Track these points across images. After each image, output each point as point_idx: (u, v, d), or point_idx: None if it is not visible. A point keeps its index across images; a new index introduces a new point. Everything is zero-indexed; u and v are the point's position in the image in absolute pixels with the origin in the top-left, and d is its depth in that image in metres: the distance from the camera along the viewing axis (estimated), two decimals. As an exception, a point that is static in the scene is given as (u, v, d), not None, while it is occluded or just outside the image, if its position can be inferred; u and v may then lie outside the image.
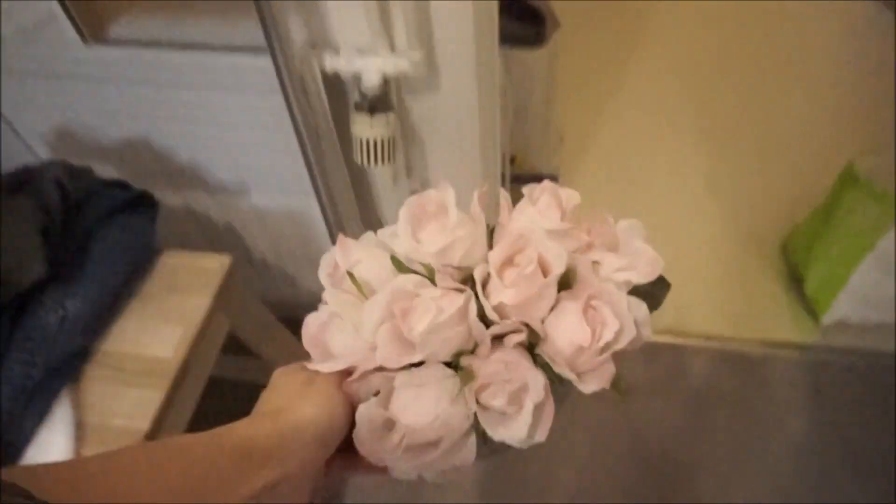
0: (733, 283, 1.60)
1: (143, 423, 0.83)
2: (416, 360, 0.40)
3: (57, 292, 0.89)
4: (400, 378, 0.41)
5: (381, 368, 0.42)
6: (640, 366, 1.23)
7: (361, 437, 0.41)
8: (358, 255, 0.47)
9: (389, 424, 0.41)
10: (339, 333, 0.44)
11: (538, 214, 0.46)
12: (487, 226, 0.47)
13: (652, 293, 0.47)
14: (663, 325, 1.50)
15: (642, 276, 0.46)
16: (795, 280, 1.60)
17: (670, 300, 0.48)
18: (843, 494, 1.14)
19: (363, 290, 0.45)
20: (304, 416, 0.39)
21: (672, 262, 0.46)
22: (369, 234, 0.53)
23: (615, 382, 0.42)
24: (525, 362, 0.41)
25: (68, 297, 0.88)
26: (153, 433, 0.83)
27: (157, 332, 0.92)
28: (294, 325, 0.92)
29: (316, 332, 0.45)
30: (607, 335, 0.41)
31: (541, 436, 0.42)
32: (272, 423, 0.38)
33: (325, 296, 0.46)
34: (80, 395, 0.86)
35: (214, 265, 1.00)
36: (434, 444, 0.40)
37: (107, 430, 0.83)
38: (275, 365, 0.46)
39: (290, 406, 0.39)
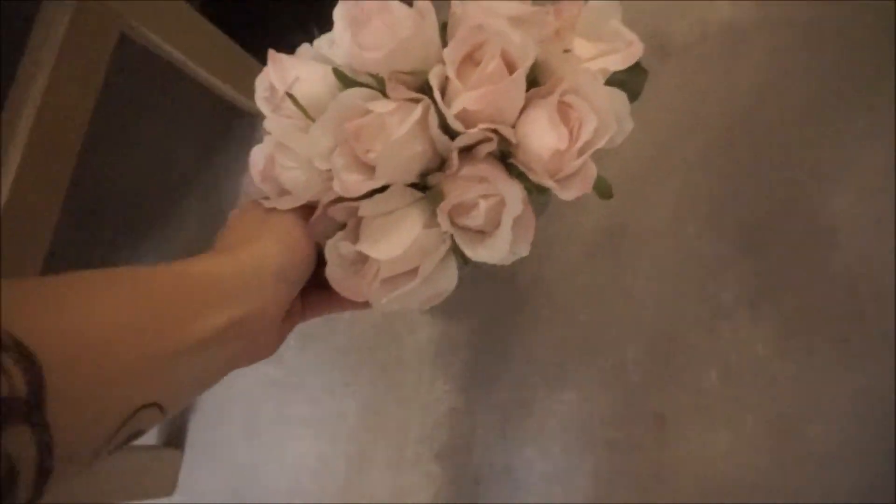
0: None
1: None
2: (378, 185, 0.37)
3: None
4: (365, 207, 0.38)
5: (342, 199, 0.39)
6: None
7: (334, 274, 0.39)
8: (295, 73, 0.41)
9: (361, 258, 0.39)
10: (289, 167, 0.40)
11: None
12: (438, 20, 0.41)
13: (629, 81, 0.43)
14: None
15: (620, 63, 0.41)
16: None
17: None
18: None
19: (307, 113, 0.40)
20: (263, 252, 0.37)
21: None
22: (305, 47, 0.46)
23: (597, 184, 0.40)
24: (499, 174, 0.38)
25: None
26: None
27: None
28: None
29: (265, 166, 0.41)
30: (586, 134, 0.37)
31: (523, 250, 0.40)
32: (232, 259, 0.36)
33: (267, 124, 0.41)
34: None
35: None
36: (412, 272, 0.39)
37: None
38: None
39: (249, 242, 0.38)
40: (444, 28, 0.42)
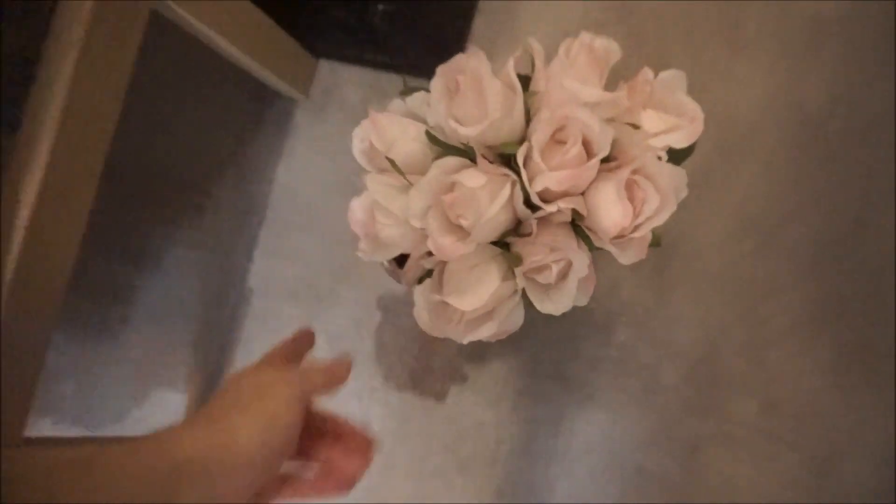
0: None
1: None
2: (470, 251, 0.44)
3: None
4: (453, 263, 0.45)
5: (430, 253, 0.46)
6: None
7: (422, 315, 0.46)
8: (393, 134, 0.48)
9: (444, 305, 0.45)
10: (387, 224, 0.46)
11: (578, 82, 0.46)
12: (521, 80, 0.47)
13: (681, 151, 0.49)
14: None
15: (684, 141, 0.47)
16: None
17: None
18: None
19: (404, 175, 0.46)
20: (239, 436, 0.37)
21: None
22: (397, 102, 0.52)
23: (654, 242, 0.46)
24: (570, 241, 0.45)
25: None
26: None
27: None
28: None
29: (363, 219, 0.48)
30: (648, 211, 0.44)
31: (583, 301, 0.47)
32: (206, 436, 0.37)
33: (368, 182, 0.47)
34: None
35: None
36: (488, 315, 0.46)
37: None
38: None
39: (229, 421, 0.38)
40: (526, 84, 0.48)
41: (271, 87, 0.86)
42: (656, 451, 0.77)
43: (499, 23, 0.84)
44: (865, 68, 0.78)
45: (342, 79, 0.87)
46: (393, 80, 0.85)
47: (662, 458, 0.77)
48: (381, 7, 0.83)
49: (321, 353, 0.94)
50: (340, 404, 0.91)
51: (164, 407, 0.92)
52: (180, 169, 0.96)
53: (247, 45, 0.75)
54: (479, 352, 0.85)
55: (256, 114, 0.93)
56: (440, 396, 0.89)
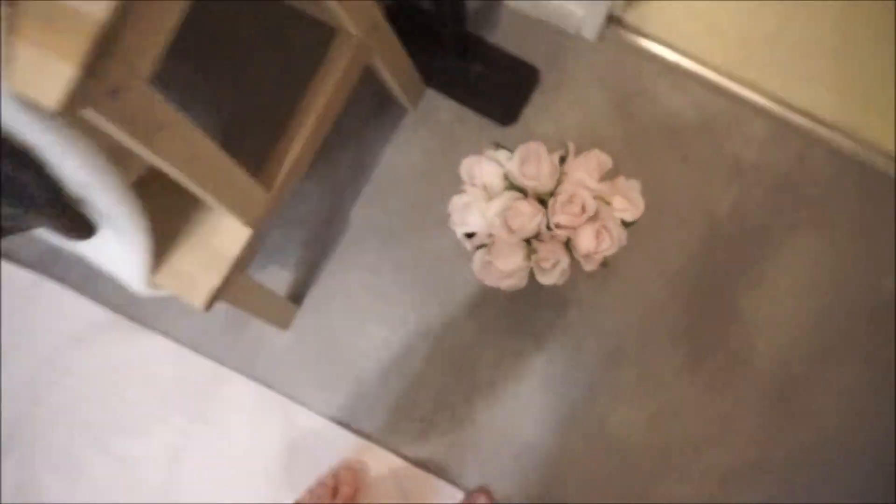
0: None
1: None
2: (513, 242, 0.88)
3: None
4: (499, 241, 0.89)
5: (491, 235, 0.90)
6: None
7: (477, 268, 0.90)
8: (485, 168, 0.92)
9: (490, 264, 0.90)
10: (472, 215, 0.90)
11: (586, 174, 0.90)
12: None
13: (628, 222, 0.95)
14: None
15: (632, 217, 0.93)
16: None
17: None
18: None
19: (489, 195, 0.91)
20: None
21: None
22: (490, 153, 0.96)
23: (603, 263, 0.91)
24: (562, 251, 0.90)
25: None
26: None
27: None
28: None
29: (461, 207, 0.92)
30: (604, 247, 0.89)
31: (561, 282, 0.92)
32: None
33: (467, 190, 0.91)
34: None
35: None
36: (510, 274, 0.90)
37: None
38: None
39: None
40: (562, 160, 0.92)
41: (394, 96, 1.28)
42: (571, 389, 1.24)
43: (544, 102, 1.29)
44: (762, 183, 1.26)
45: (440, 105, 1.30)
46: (472, 116, 1.28)
47: (570, 391, 1.25)
48: (477, 68, 1.27)
49: (387, 279, 1.36)
50: (385, 316, 1.39)
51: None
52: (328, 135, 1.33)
53: (392, 70, 1.17)
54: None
55: (379, 109, 1.32)
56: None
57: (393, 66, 1.13)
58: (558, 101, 1.30)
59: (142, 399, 1.28)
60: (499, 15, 1.32)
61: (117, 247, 0.85)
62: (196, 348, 1.28)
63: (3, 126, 0.59)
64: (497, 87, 1.28)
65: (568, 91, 1.30)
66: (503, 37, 1.31)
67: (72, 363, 1.29)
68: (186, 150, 0.72)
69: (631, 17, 1.32)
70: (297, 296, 1.30)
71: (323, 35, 0.98)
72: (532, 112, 1.30)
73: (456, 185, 0.95)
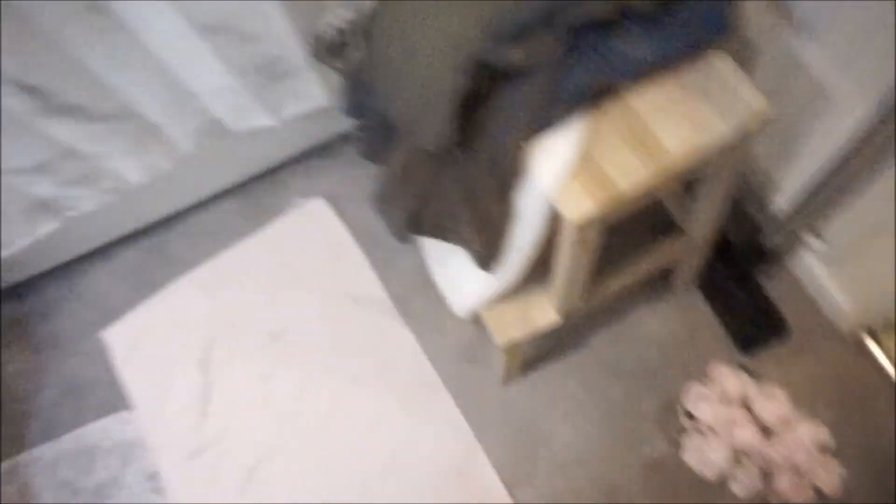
0: None
1: (623, 184, 0.89)
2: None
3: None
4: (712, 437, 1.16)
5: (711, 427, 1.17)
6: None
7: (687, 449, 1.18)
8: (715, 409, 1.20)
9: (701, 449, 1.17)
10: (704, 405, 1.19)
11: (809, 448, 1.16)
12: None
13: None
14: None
15: (826, 488, 1.16)
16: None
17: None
18: None
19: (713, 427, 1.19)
20: None
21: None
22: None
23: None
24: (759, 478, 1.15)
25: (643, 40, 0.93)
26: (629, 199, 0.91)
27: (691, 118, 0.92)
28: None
29: (695, 397, 1.20)
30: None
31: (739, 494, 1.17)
32: None
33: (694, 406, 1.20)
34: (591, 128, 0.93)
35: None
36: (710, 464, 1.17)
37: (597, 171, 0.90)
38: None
39: None
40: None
41: (671, 274, 1.61)
42: None
43: (778, 356, 1.55)
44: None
45: (696, 301, 1.61)
46: (716, 328, 1.56)
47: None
48: (741, 295, 1.55)
49: (592, 403, 1.65)
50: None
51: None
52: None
53: (692, 262, 1.50)
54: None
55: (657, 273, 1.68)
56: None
57: (694, 261, 1.45)
58: (792, 365, 1.51)
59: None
60: (783, 271, 1.60)
61: (473, 277, 1.21)
62: (430, 356, 1.57)
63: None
64: (751, 318, 1.56)
65: (803, 361, 1.52)
66: (772, 288, 1.57)
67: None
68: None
69: (887, 338, 1.49)
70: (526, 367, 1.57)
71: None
72: (768, 357, 1.52)
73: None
